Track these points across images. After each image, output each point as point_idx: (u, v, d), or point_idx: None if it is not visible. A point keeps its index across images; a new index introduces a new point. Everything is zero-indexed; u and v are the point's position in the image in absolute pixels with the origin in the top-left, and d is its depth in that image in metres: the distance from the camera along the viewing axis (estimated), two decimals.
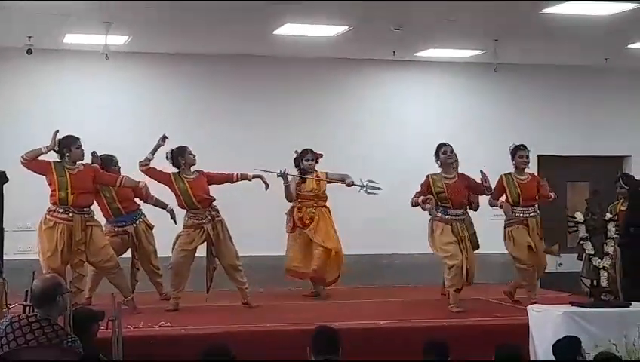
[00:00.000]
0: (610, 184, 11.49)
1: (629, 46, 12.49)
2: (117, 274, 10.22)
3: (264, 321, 9.52)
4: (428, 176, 10.74)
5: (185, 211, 10.58)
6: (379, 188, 11.41)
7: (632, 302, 8.96)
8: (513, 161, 11.12)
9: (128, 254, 10.90)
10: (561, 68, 13.93)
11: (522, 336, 8.58)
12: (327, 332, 6.47)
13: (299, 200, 11.47)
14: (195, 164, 10.64)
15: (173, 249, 10.53)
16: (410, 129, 13.56)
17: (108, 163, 10.76)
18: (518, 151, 11.11)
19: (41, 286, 6.18)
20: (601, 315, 8.58)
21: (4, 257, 8.91)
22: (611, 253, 9.03)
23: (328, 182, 11.59)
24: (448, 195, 10.60)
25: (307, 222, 11.41)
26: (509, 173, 11.12)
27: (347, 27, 11.20)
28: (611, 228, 9.06)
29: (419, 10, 10.27)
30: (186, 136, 12.71)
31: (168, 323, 9.22)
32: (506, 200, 11.08)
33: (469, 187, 10.82)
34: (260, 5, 9.75)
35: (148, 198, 10.83)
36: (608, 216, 9.19)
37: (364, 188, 11.43)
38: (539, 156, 13.98)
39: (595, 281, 8.92)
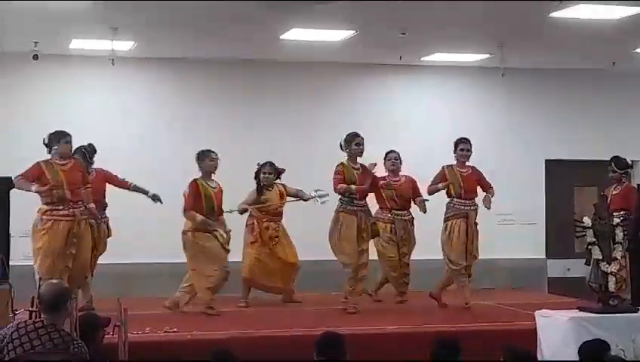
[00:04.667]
0: None
1: (637, 50, 12.47)
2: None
3: (269, 327, 9.50)
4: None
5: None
6: (327, 195, 11.21)
7: None
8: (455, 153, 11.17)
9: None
10: (568, 72, 13.90)
11: (530, 341, 8.55)
12: (332, 338, 6.45)
13: (263, 212, 11.31)
14: None
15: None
16: (416, 133, 13.54)
17: (92, 153, 10.72)
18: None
19: (50, 292, 6.17)
20: (609, 320, 8.55)
21: (11, 263, 8.89)
22: (619, 257, 9.00)
23: (287, 195, 11.50)
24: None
25: (274, 238, 11.32)
26: (451, 165, 11.17)
27: (353, 32, 11.19)
28: (619, 233, 9.03)
29: (425, 15, 10.25)
30: (192, 141, 12.75)
31: (174, 329, 9.20)
32: (448, 192, 11.08)
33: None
34: (267, 10, 9.74)
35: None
36: (616, 221, 9.16)
37: (316, 199, 11.32)
38: (546, 161, 13.98)
39: (602, 286, 8.89)
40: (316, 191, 11.37)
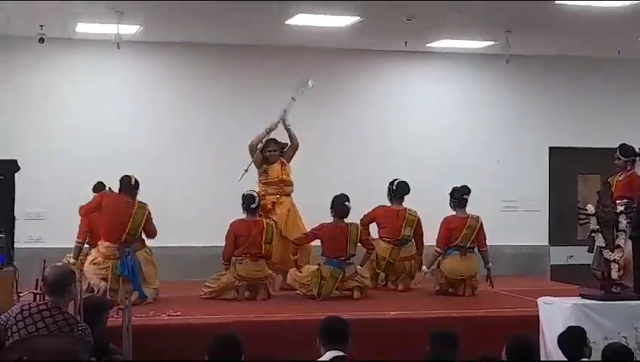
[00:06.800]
0: None
1: None
2: None
3: (273, 311, 9.54)
4: None
5: None
6: (308, 80, 11.65)
7: None
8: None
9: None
10: (573, 59, 13.87)
11: (532, 328, 8.57)
12: (336, 323, 6.46)
13: (262, 188, 11.37)
14: None
15: None
16: (422, 120, 13.53)
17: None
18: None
19: (55, 275, 6.21)
20: (611, 307, 8.58)
21: (15, 245, 8.93)
22: (622, 245, 9.00)
23: (289, 156, 11.60)
24: None
25: (269, 207, 11.30)
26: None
27: (359, 18, 11.17)
28: (622, 221, 9.03)
29: (431, 1, 10.23)
30: (196, 125, 12.78)
31: (178, 312, 9.23)
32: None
33: None
34: None
35: None
36: (620, 208, 9.15)
37: (302, 91, 11.62)
38: (550, 148, 13.97)
39: (605, 274, 8.90)
40: (299, 87, 11.60)
